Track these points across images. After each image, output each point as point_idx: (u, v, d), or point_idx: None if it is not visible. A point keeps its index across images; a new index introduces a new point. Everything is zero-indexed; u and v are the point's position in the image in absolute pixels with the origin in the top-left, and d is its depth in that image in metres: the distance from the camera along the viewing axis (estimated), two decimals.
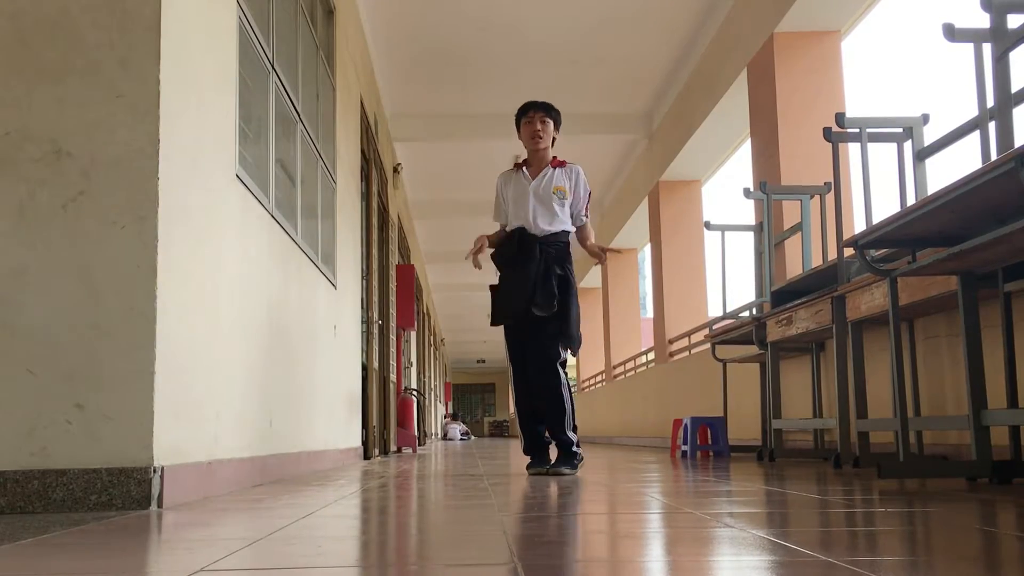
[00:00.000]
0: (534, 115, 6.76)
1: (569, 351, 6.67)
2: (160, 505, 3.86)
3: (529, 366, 6.64)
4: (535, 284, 6.50)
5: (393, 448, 13.94)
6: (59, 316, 3.86)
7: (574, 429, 6.57)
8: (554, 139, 6.86)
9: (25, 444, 3.78)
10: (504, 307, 6.66)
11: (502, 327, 6.85)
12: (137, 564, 2.34)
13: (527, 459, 6.74)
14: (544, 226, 6.62)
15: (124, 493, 3.78)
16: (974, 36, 5.09)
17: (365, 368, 11.28)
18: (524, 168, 6.80)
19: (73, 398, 3.82)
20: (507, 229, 6.80)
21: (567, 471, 6.31)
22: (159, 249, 3.92)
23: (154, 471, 3.83)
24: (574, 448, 6.50)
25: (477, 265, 6.77)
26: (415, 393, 17.27)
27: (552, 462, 6.47)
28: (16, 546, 2.64)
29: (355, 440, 9.99)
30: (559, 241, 6.65)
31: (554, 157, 6.83)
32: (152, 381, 3.85)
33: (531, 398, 6.72)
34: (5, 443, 3.78)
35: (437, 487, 5.23)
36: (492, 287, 6.86)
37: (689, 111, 13.08)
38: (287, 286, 6.47)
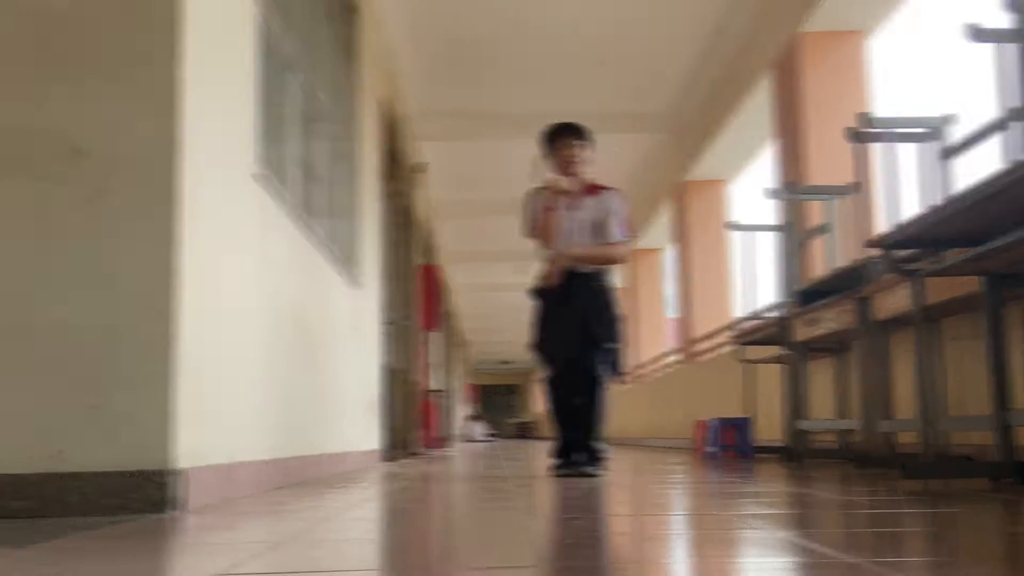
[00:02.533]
0: (569, 141, 6.54)
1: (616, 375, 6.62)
2: (180, 508, 3.85)
3: (582, 373, 6.47)
4: (589, 320, 6.37)
5: (416, 450, 13.95)
6: (77, 317, 3.85)
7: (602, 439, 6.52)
8: (587, 161, 6.60)
9: (42, 447, 3.77)
10: (556, 350, 6.51)
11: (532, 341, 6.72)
12: (156, 568, 2.34)
13: (552, 461, 6.67)
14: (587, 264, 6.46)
15: (143, 496, 3.77)
16: (998, 36, 5.06)
17: (388, 369, 11.28)
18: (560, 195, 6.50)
19: (91, 400, 3.81)
20: (546, 256, 6.58)
21: (591, 471, 6.23)
22: (178, 249, 3.92)
23: (174, 474, 3.82)
24: (599, 453, 6.43)
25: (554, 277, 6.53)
26: (439, 394, 17.28)
27: (578, 464, 6.38)
28: (34, 550, 2.64)
29: (378, 442, 9.99)
30: (600, 275, 6.53)
31: (593, 184, 6.58)
32: (171, 383, 3.85)
33: (568, 404, 6.57)
34: (22, 446, 3.77)
35: (461, 489, 5.22)
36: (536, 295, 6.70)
37: (714, 110, 13.06)
38: (308, 286, 6.46)
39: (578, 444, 6.47)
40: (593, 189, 6.54)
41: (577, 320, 6.37)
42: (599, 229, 6.46)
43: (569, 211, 6.46)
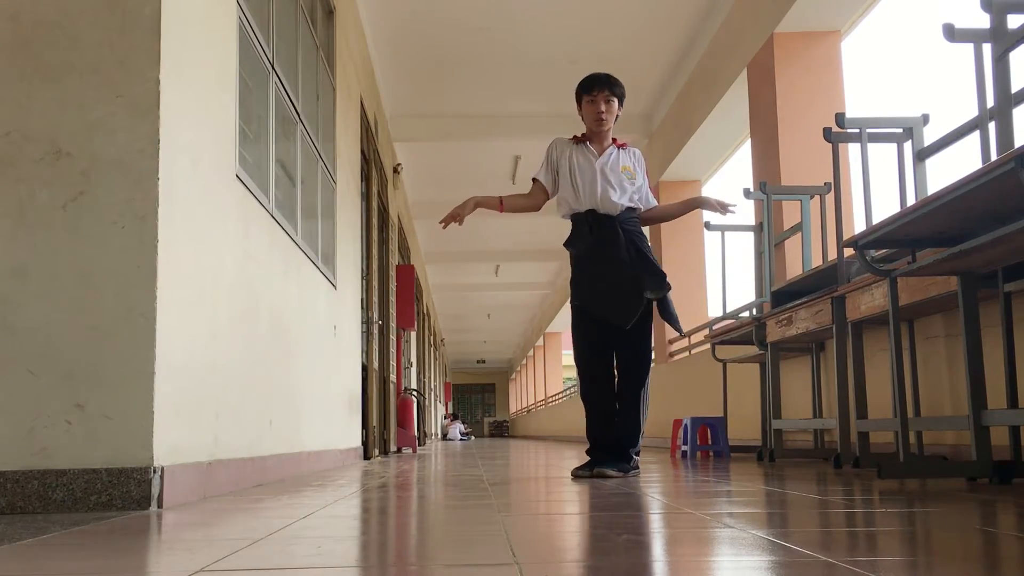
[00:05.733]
0: (598, 94, 6.30)
1: (677, 331, 6.40)
2: (160, 505, 3.86)
3: (623, 373, 6.25)
4: (636, 268, 6.10)
5: (393, 448, 13.95)
6: (59, 316, 3.86)
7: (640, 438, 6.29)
8: (617, 116, 6.42)
9: (25, 444, 3.78)
10: (612, 303, 6.13)
11: (572, 320, 6.43)
12: (137, 564, 2.34)
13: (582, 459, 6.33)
14: (617, 201, 6.19)
15: (124, 493, 3.78)
16: (974, 36, 5.08)
17: (365, 368, 11.28)
18: (588, 143, 6.38)
19: (73, 398, 3.82)
20: (573, 210, 6.33)
21: (612, 472, 6.00)
22: (159, 249, 3.92)
23: (154, 471, 3.83)
24: (632, 451, 6.22)
25: (459, 221, 6.31)
26: (415, 393, 17.28)
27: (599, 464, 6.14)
28: (16, 546, 2.64)
29: (355, 440, 9.99)
30: (633, 217, 6.27)
31: (614, 139, 6.45)
32: (152, 381, 3.85)
33: (605, 402, 6.30)
34: (5, 443, 3.78)
35: (437, 488, 5.22)
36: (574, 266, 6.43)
37: (689, 111, 13.08)
38: (287, 286, 6.46)
39: (609, 442, 6.25)
40: (618, 143, 6.43)
41: (622, 271, 6.13)
42: (630, 181, 6.29)
43: (599, 160, 6.30)
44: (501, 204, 6.41)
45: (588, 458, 6.29)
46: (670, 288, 6.20)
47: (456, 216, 6.32)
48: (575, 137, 6.46)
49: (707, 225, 10.28)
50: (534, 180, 6.48)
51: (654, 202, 6.48)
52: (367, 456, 10.77)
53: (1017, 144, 4.71)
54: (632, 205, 6.29)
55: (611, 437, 6.26)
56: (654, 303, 6.25)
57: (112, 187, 3.92)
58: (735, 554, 2.32)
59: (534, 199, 6.47)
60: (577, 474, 6.12)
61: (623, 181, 6.27)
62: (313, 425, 7.47)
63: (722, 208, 6.42)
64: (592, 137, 6.41)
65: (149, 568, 2.29)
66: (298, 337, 6.90)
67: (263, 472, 5.64)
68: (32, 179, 3.91)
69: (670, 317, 6.27)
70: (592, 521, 3.26)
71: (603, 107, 6.29)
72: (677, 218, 6.56)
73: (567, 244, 6.44)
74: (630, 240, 6.18)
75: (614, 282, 6.14)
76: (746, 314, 9.94)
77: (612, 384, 6.34)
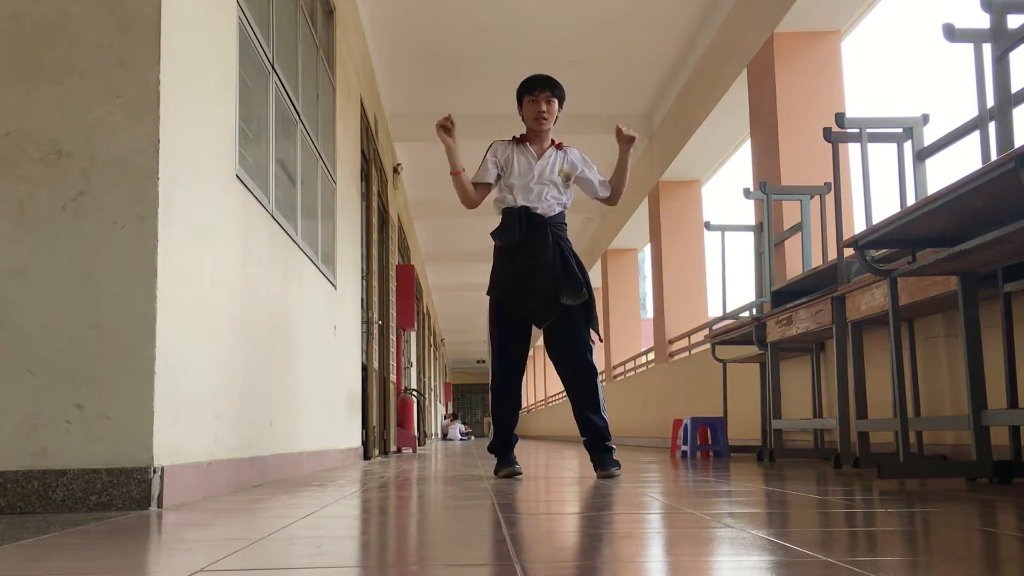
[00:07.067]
0: (540, 94, 6.43)
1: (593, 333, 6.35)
2: (160, 505, 3.86)
3: (563, 352, 6.29)
4: (557, 273, 6.13)
5: (393, 448, 13.94)
6: (59, 316, 3.86)
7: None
8: (556, 118, 6.48)
9: (25, 444, 3.78)
10: (530, 303, 6.23)
11: (490, 313, 6.60)
12: (137, 564, 2.34)
13: (504, 458, 6.40)
14: (550, 207, 6.27)
15: (124, 493, 3.78)
16: (974, 36, 5.08)
17: (365, 368, 11.28)
18: (527, 144, 6.43)
19: (73, 398, 3.82)
20: (507, 206, 6.37)
21: (617, 471, 6.05)
22: (159, 249, 3.92)
23: (154, 471, 3.83)
24: (609, 444, 6.23)
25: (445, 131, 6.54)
26: (415, 393, 17.27)
27: (514, 463, 6.33)
28: (16, 546, 2.64)
29: (355, 440, 9.99)
30: (562, 222, 6.34)
31: (553, 140, 6.50)
32: (152, 381, 3.85)
33: (513, 396, 6.45)
34: (5, 443, 3.78)
35: (437, 488, 5.22)
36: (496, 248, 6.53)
37: (689, 111, 13.07)
38: (287, 286, 6.46)
39: (511, 438, 6.47)
40: (558, 145, 6.47)
41: (546, 272, 6.18)
42: (567, 182, 6.37)
43: (539, 162, 6.34)
44: (458, 172, 6.44)
45: (493, 454, 6.48)
46: (587, 297, 6.22)
47: (445, 125, 6.59)
48: (514, 138, 6.52)
49: (707, 225, 10.28)
50: (475, 184, 6.48)
51: (609, 186, 6.54)
52: (367, 456, 10.77)
53: (1017, 144, 4.71)
54: (563, 210, 6.39)
55: (514, 436, 6.50)
56: (590, 287, 6.29)
57: (112, 187, 3.93)
58: (735, 554, 2.32)
59: (479, 193, 6.49)
60: (503, 473, 6.23)
61: (559, 184, 6.35)
62: (313, 425, 7.46)
63: (619, 133, 6.49)
64: (532, 138, 6.46)
65: (149, 568, 2.29)
66: (298, 337, 6.90)
67: (263, 472, 5.64)
68: (32, 179, 3.91)
69: (593, 321, 6.31)
70: (592, 521, 3.26)
71: (544, 107, 6.38)
72: (627, 173, 6.55)
73: (495, 234, 6.49)
74: (557, 244, 6.23)
75: (534, 283, 6.21)
76: (746, 314, 9.94)
77: (521, 383, 6.51)
